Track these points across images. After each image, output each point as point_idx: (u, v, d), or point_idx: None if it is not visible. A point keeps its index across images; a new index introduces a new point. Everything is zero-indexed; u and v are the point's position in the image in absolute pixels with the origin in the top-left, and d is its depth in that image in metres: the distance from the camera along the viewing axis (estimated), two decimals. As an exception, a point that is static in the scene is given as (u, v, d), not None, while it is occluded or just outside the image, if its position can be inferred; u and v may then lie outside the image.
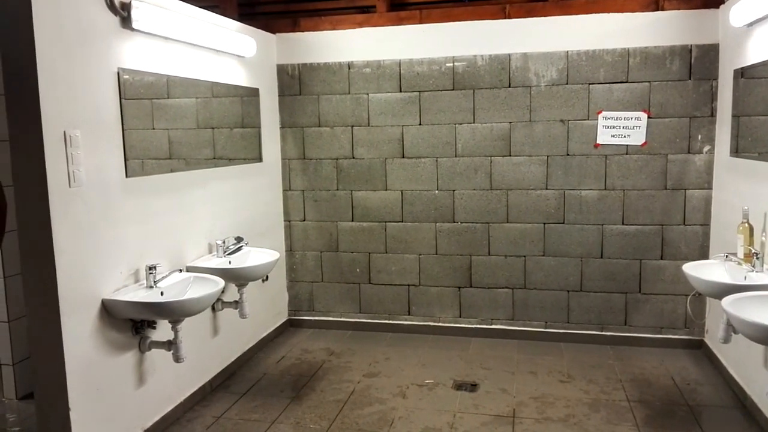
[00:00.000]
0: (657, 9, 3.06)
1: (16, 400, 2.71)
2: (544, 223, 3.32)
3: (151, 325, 2.32)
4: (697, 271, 2.50)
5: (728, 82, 2.87)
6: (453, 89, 3.32)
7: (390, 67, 3.38)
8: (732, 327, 2.19)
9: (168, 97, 2.58)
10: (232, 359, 3.06)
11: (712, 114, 3.07)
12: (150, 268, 2.28)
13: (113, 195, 2.18)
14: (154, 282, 2.29)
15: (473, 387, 2.83)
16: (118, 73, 2.19)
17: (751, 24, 2.57)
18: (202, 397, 2.75)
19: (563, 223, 3.30)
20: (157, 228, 2.44)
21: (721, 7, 2.96)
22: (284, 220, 3.67)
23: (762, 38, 2.49)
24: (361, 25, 3.39)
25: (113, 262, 2.18)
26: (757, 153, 2.58)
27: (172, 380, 2.53)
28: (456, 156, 3.37)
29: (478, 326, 3.48)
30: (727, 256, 2.55)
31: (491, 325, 3.47)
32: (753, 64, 2.57)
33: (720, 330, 2.41)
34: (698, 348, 3.21)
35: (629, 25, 3.09)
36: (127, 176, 2.25)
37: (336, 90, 3.46)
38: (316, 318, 3.71)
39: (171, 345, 2.31)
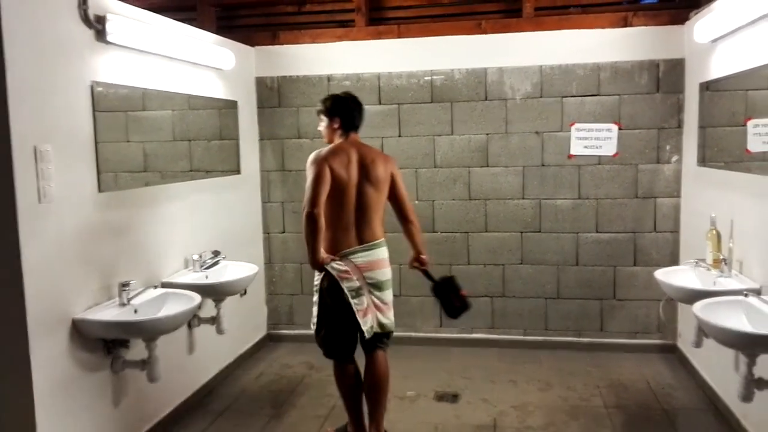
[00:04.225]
0: (626, 25, 3.17)
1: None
2: (521, 232, 3.37)
3: (124, 344, 2.25)
4: (668, 277, 2.57)
5: (694, 95, 2.98)
6: (431, 102, 3.36)
7: (369, 80, 3.40)
8: (703, 331, 2.26)
9: (144, 110, 2.54)
10: (210, 376, 3.00)
11: (680, 125, 3.18)
12: (123, 285, 2.22)
13: (85, 210, 2.12)
14: (128, 299, 2.23)
15: (454, 398, 2.83)
16: (92, 87, 2.14)
17: (714, 40, 2.68)
18: (178, 416, 2.68)
19: (540, 231, 3.36)
20: (131, 243, 2.39)
21: (687, 23, 3.09)
22: (263, 233, 3.62)
23: (725, 54, 2.60)
24: (340, 38, 3.41)
25: (84, 279, 2.12)
26: (722, 162, 2.68)
27: (147, 400, 2.45)
28: (435, 167, 3.41)
29: (459, 336, 3.49)
30: (696, 262, 2.63)
31: (471, 334, 3.49)
32: (717, 78, 2.68)
33: (692, 334, 2.48)
34: (672, 352, 3.29)
35: (600, 41, 3.19)
36: (100, 191, 2.19)
37: (316, 102, 3.43)
38: (297, 332, 3.66)
39: (145, 364, 2.24)
